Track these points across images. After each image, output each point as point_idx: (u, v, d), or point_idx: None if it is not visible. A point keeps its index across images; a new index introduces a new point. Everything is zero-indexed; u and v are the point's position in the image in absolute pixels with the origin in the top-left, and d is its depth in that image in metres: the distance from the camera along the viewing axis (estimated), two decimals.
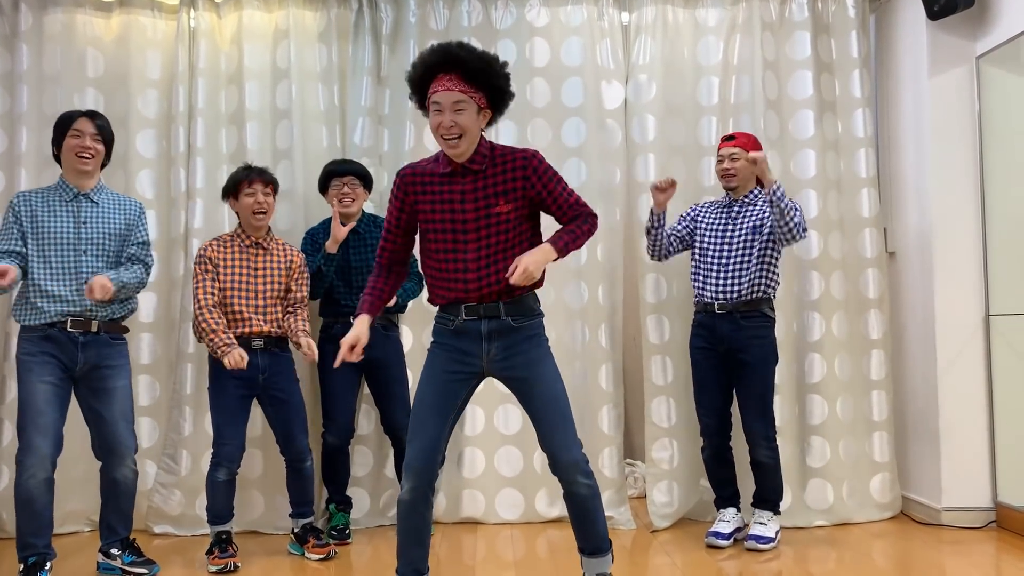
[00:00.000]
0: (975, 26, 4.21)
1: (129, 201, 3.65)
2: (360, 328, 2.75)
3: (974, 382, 4.17)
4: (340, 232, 3.95)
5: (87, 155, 3.47)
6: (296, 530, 3.91)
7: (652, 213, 3.94)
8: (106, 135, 3.54)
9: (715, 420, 3.94)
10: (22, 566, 3.32)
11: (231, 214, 4.19)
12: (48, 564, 3.34)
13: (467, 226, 2.73)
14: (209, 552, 3.64)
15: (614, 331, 4.38)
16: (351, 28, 4.47)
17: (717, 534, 3.88)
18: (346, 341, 2.72)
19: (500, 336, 2.76)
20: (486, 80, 2.69)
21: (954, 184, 4.21)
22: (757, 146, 3.92)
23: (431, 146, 4.43)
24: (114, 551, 3.55)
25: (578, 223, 2.81)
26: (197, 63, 4.38)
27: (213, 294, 3.72)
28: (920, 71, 4.31)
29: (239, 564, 3.62)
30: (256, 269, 3.84)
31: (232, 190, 3.84)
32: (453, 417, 2.77)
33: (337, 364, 2.74)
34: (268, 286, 3.84)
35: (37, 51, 4.34)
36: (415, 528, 2.70)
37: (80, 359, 3.43)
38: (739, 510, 4.00)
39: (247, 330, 3.76)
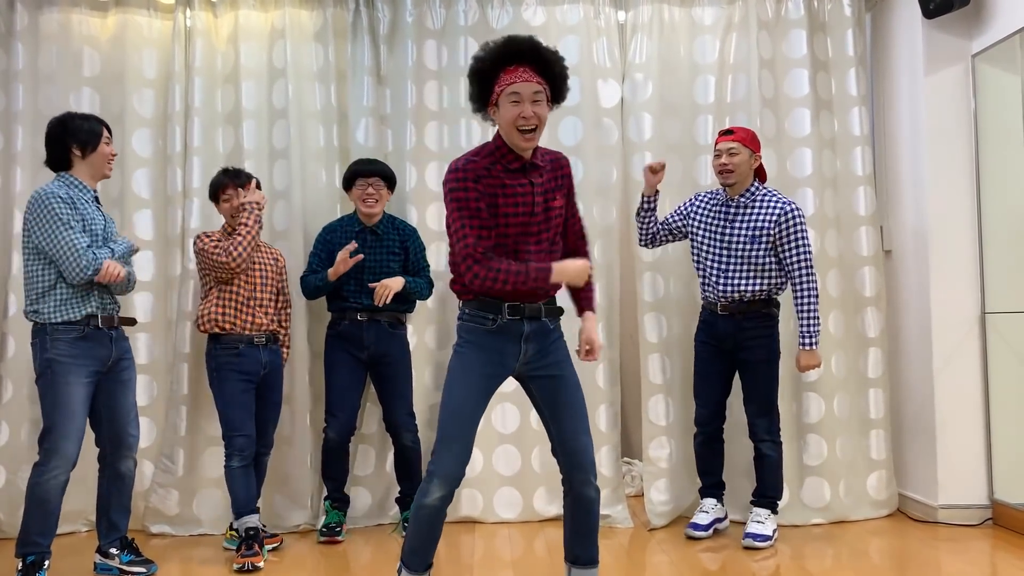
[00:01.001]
0: (971, 24, 4.22)
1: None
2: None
3: (970, 380, 4.18)
4: (343, 267, 3.95)
5: (113, 162, 3.58)
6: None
7: (643, 197, 3.99)
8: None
9: (710, 411, 3.99)
10: (20, 564, 3.33)
11: None
12: (46, 563, 3.35)
13: (536, 218, 2.73)
14: (238, 549, 3.65)
15: (611, 329, 4.38)
16: (349, 28, 4.47)
17: (696, 525, 3.95)
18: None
19: (537, 338, 2.76)
20: (555, 72, 2.69)
21: (950, 182, 4.22)
22: (755, 142, 3.89)
23: (432, 146, 4.43)
24: (112, 550, 3.56)
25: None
26: (193, 62, 4.37)
27: None
28: (916, 69, 4.31)
29: (259, 564, 3.58)
30: (255, 265, 3.88)
31: (213, 195, 3.93)
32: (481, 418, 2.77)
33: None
34: (266, 282, 3.90)
35: (33, 50, 4.33)
36: (435, 529, 2.70)
37: (113, 353, 3.49)
38: (719, 501, 4.05)
39: (251, 327, 3.82)
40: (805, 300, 3.79)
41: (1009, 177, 4.08)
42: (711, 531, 3.98)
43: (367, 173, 4.07)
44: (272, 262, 3.97)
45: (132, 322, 3.63)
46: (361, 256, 4.00)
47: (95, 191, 3.55)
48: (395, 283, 4.00)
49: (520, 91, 2.63)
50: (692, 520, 4.00)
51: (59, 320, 3.37)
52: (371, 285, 4.02)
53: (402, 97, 4.43)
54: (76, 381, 3.36)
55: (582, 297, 2.91)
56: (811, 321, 3.78)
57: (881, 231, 4.51)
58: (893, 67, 4.52)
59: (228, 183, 3.87)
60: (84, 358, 3.39)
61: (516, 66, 2.65)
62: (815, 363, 3.81)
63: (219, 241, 3.78)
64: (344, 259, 3.94)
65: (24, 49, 4.32)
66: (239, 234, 3.75)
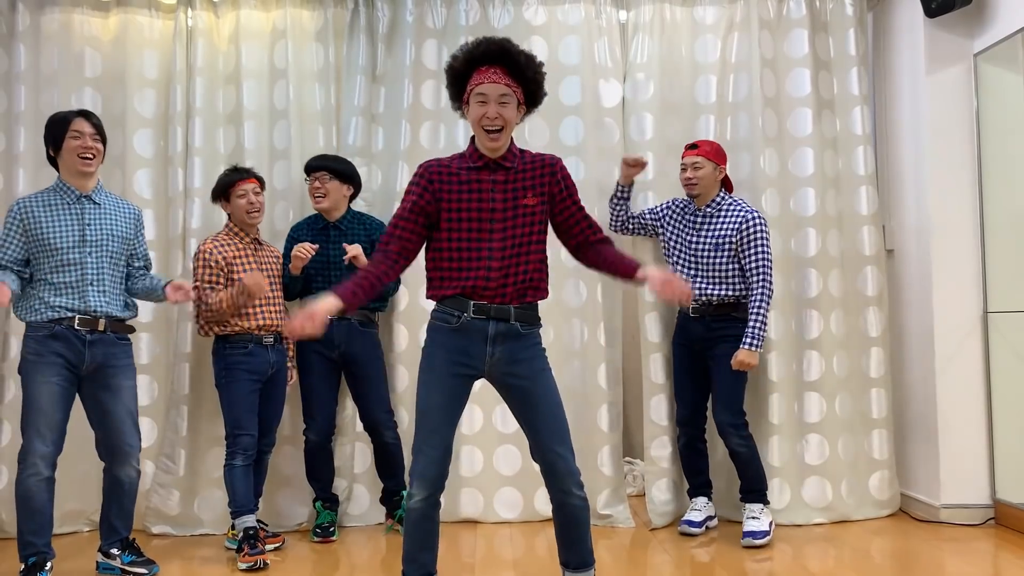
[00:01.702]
0: (972, 24, 4.21)
1: (129, 205, 3.67)
2: (321, 304, 2.53)
3: (972, 379, 4.17)
4: (300, 261, 3.92)
5: (89, 155, 3.46)
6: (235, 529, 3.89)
7: (618, 185, 4.14)
8: (103, 134, 3.54)
9: (688, 412, 4.09)
10: (23, 566, 3.33)
11: None
12: (48, 564, 3.35)
13: (494, 215, 2.72)
14: (239, 550, 3.64)
15: (612, 329, 4.38)
16: (346, 27, 4.47)
17: (689, 522, 4.04)
18: (303, 311, 2.51)
19: (505, 340, 2.73)
20: (527, 75, 2.71)
21: (952, 181, 4.21)
22: (720, 155, 3.99)
23: (427, 145, 4.43)
24: (114, 551, 3.56)
25: (619, 250, 2.85)
26: (195, 63, 4.38)
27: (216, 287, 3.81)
28: (918, 69, 4.31)
29: (268, 562, 3.60)
30: (261, 265, 3.90)
31: (223, 193, 3.90)
32: (458, 419, 2.74)
33: (294, 333, 2.50)
34: (273, 282, 3.95)
35: (34, 51, 4.34)
36: (425, 533, 2.69)
37: (87, 358, 3.43)
38: (710, 499, 4.15)
39: (261, 325, 3.84)
40: (757, 304, 3.87)
41: (1011, 176, 4.07)
42: (704, 528, 4.06)
43: (313, 168, 4.07)
44: (274, 260, 4.00)
45: (129, 329, 3.58)
46: (317, 246, 3.97)
47: (83, 191, 3.49)
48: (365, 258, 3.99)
49: (486, 92, 2.67)
50: (685, 517, 4.07)
51: (30, 320, 3.39)
52: (346, 245, 3.98)
53: (398, 96, 4.43)
54: (43, 380, 3.34)
55: (624, 265, 2.79)
56: (759, 324, 3.85)
57: (883, 230, 4.50)
58: (895, 66, 4.51)
59: (238, 180, 3.86)
60: (53, 355, 3.36)
61: (487, 67, 2.68)
62: (752, 363, 3.84)
63: (201, 286, 3.79)
64: (298, 253, 3.91)
65: (25, 50, 4.32)
66: (212, 303, 3.76)
